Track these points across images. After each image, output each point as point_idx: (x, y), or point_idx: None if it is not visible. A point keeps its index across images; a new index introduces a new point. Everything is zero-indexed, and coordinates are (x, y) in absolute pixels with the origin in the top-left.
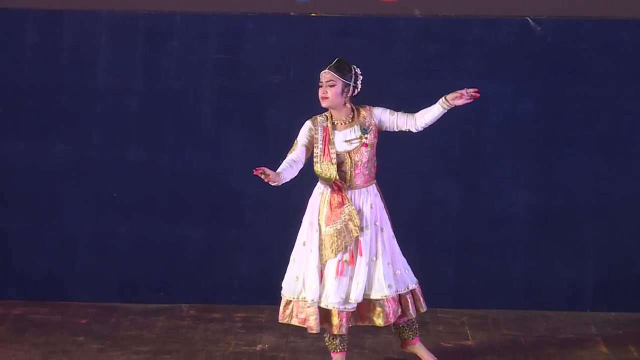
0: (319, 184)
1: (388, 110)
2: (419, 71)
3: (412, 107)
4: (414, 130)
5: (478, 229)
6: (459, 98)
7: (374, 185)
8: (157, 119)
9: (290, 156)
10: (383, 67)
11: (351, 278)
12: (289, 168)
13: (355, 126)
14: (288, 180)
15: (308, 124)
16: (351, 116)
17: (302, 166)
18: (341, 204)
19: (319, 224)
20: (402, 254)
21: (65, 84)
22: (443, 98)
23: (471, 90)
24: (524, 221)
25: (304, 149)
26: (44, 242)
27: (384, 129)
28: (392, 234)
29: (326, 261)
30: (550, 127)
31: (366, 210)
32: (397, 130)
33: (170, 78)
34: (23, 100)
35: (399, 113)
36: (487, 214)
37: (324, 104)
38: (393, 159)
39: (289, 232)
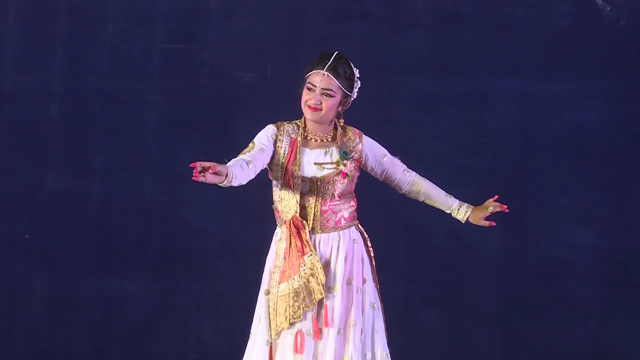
0: (277, 228)
1: (382, 150)
2: (443, 67)
3: (433, 117)
4: (398, 192)
5: (526, 283)
6: (482, 219)
7: (353, 227)
8: (84, 132)
9: (242, 156)
10: (394, 62)
11: (316, 358)
12: (239, 168)
13: (333, 148)
14: (237, 183)
15: (272, 128)
16: (332, 134)
17: (253, 176)
18: (301, 252)
19: (270, 283)
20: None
21: None
22: (465, 214)
23: (497, 205)
24: (590, 272)
25: (261, 154)
26: None
27: (367, 170)
28: (378, 302)
29: (279, 332)
30: (623, 142)
31: (337, 263)
32: (381, 179)
33: (102, 76)
34: None
35: (396, 161)
36: (538, 262)
37: (312, 117)
38: None
39: None
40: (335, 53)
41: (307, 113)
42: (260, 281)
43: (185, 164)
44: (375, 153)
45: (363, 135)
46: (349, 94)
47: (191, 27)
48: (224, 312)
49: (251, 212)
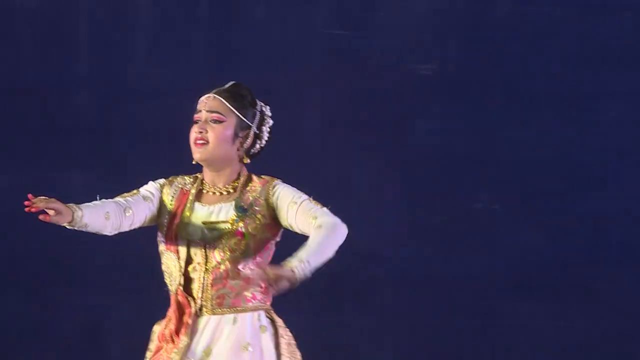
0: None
1: (293, 194)
2: None
3: None
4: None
5: None
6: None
7: (262, 312)
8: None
9: (119, 198)
10: (597, 54)
11: None
12: (96, 210)
13: (230, 203)
14: (91, 228)
15: (161, 179)
16: (234, 185)
17: (127, 227)
18: (175, 336)
19: None
20: None
21: None
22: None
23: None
24: None
25: (144, 202)
26: None
27: (284, 224)
28: None
29: None
30: None
31: (227, 355)
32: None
33: (250, 67)
34: None
35: (310, 210)
36: None
37: (197, 154)
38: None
39: None
40: (233, 82)
41: (193, 152)
42: None
43: (348, 170)
44: (283, 201)
45: (275, 184)
46: (249, 123)
47: (358, 7)
48: (400, 354)
49: (436, 230)
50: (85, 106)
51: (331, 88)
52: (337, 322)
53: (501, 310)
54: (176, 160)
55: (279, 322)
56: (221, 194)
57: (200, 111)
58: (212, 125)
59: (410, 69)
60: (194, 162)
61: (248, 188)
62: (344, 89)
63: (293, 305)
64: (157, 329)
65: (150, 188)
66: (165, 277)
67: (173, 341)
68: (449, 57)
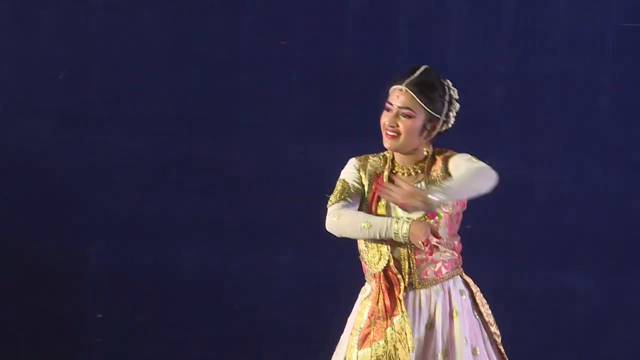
0: (366, 284)
1: (467, 162)
2: None
3: None
4: None
5: None
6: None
7: (458, 277)
8: (531, 116)
9: (349, 206)
10: None
11: None
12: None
13: (422, 183)
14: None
15: (353, 162)
16: (422, 166)
17: None
18: (390, 313)
19: (348, 346)
20: None
21: None
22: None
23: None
24: None
25: (355, 195)
26: None
27: None
28: None
29: None
30: None
31: (442, 324)
32: None
33: (546, 55)
34: None
35: (469, 162)
36: None
37: (388, 144)
38: None
39: None
40: (424, 67)
41: (384, 140)
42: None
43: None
44: (458, 170)
45: (451, 157)
46: (437, 116)
47: None
48: None
49: None
50: None
51: (623, 76)
52: (627, 285)
53: None
54: (480, 139)
55: (470, 281)
56: (410, 174)
57: (393, 105)
58: (402, 119)
59: None
60: (385, 146)
61: (433, 167)
62: (636, 76)
63: (584, 267)
64: (363, 304)
65: (354, 176)
66: (363, 256)
67: (386, 317)
68: None
